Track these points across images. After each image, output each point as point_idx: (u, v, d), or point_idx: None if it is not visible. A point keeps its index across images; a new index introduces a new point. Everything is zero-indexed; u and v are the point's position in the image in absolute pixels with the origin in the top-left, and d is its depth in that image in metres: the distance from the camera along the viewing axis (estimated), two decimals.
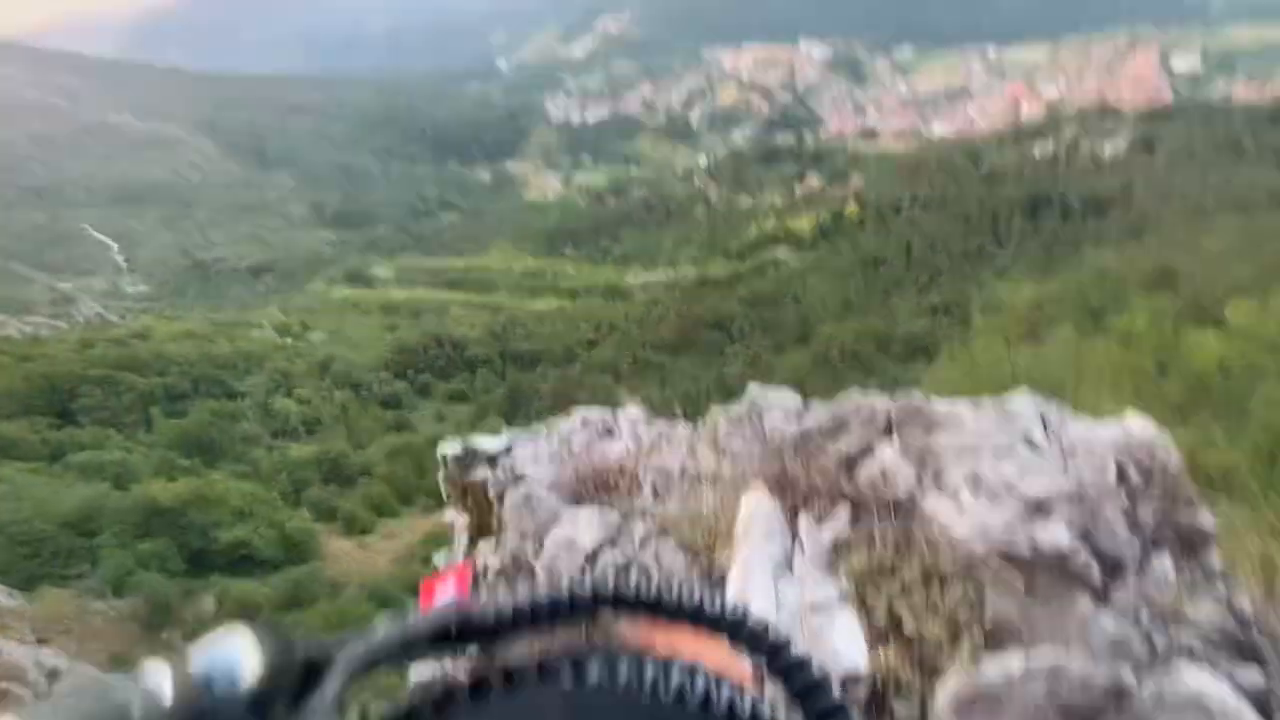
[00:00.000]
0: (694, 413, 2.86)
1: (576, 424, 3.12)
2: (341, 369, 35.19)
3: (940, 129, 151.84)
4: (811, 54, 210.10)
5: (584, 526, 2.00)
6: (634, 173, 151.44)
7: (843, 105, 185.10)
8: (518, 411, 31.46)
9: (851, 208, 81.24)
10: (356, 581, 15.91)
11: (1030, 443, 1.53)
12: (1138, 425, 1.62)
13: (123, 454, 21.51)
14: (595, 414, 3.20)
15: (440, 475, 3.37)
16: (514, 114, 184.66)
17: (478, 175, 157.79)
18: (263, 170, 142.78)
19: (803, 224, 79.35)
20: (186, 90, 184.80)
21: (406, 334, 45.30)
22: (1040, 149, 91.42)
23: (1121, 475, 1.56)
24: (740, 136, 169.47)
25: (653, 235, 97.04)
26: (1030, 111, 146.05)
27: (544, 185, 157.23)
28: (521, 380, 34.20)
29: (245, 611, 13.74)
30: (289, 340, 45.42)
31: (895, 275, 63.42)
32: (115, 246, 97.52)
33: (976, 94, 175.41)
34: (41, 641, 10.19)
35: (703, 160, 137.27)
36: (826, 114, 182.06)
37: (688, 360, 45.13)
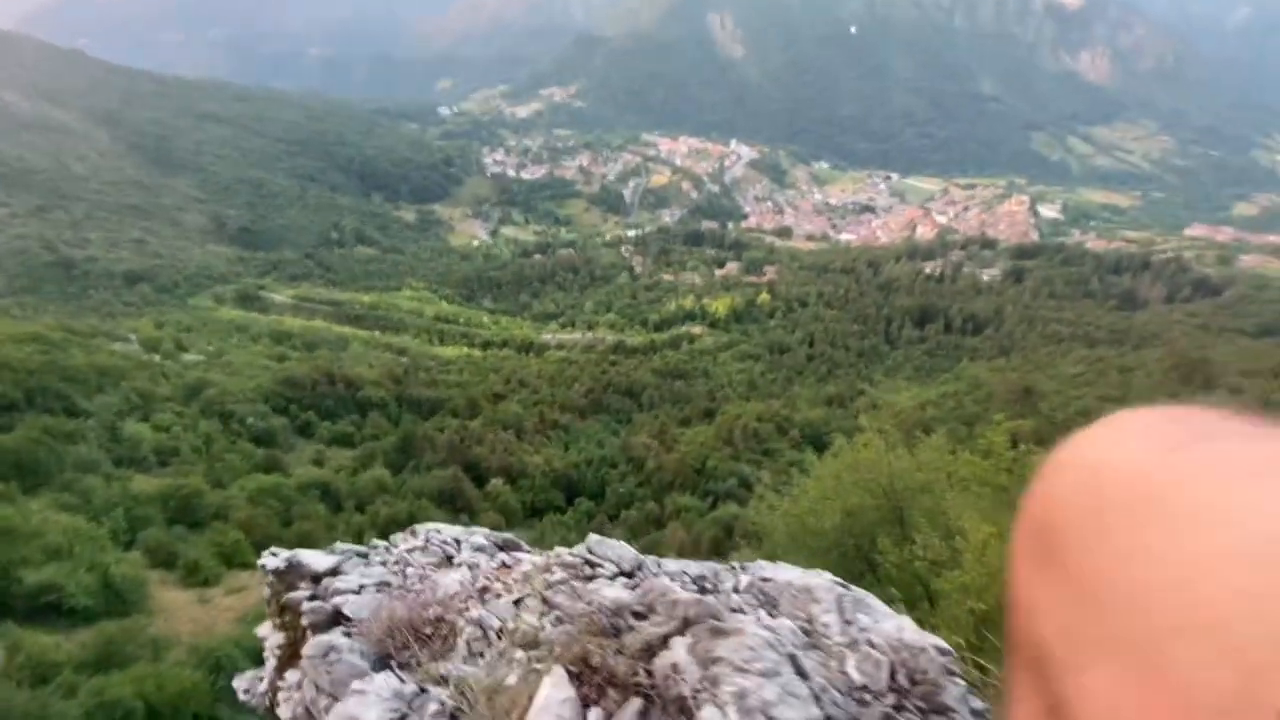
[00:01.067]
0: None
1: (420, 542, 3.01)
2: (213, 396, 31.96)
3: (847, 237, 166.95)
4: (740, 153, 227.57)
5: (373, 701, 1.83)
6: (563, 234, 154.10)
7: (764, 203, 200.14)
8: (406, 462, 29.69)
9: (765, 296, 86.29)
10: (187, 642, 13.91)
11: (799, 669, 1.53)
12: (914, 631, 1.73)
13: None
14: (443, 533, 3.09)
15: (262, 581, 3.12)
16: (449, 160, 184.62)
17: (402, 214, 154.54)
18: (162, 174, 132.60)
19: (719, 306, 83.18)
20: (88, 78, 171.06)
21: (295, 366, 42.13)
22: (931, 267, 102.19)
23: (895, 688, 1.57)
24: (668, 216, 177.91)
25: (574, 297, 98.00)
26: (924, 233, 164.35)
27: (470, 233, 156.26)
28: (416, 429, 32.45)
29: (40, 670, 11.62)
30: (156, 358, 40.98)
31: (798, 364, 67.29)
32: None
33: (880, 212, 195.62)
34: None
35: (631, 232, 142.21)
36: (749, 208, 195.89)
37: (595, 424, 44.91)
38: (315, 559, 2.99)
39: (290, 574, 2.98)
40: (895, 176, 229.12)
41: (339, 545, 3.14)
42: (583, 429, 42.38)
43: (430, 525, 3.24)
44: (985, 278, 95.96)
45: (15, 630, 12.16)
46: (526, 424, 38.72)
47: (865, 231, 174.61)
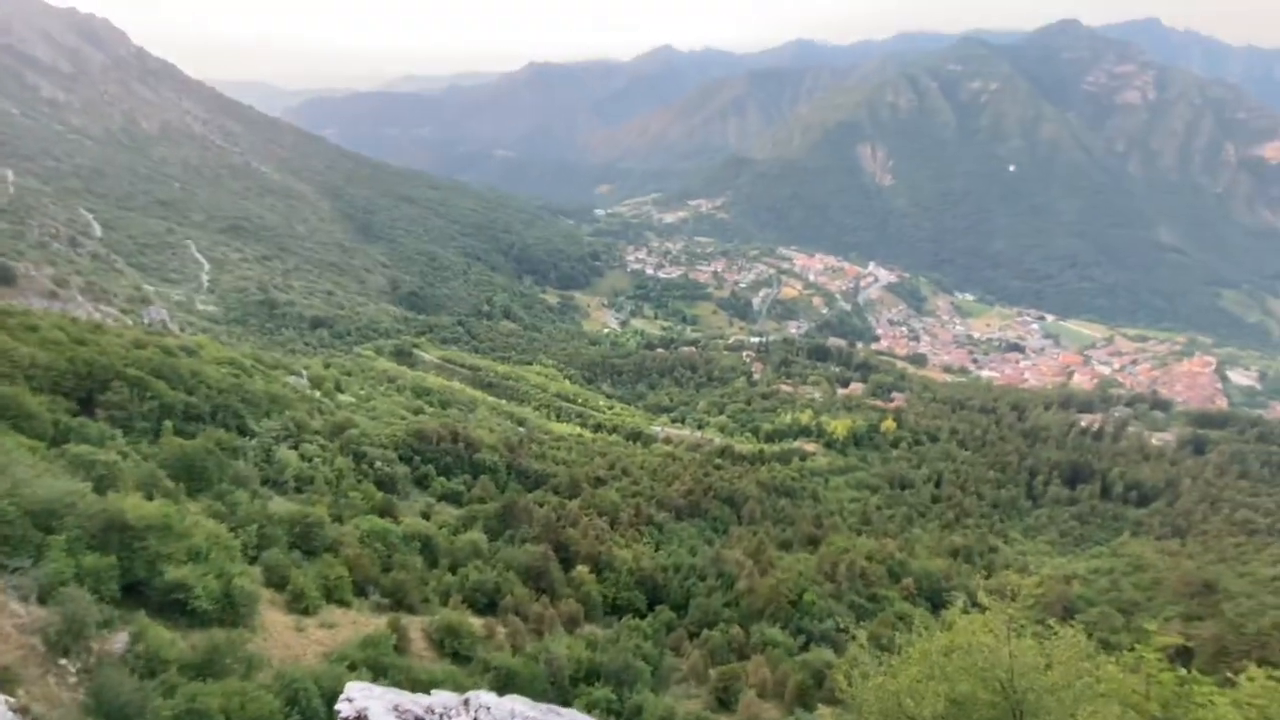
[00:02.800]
0: None
1: (469, 719, 3.17)
2: (353, 436, 35.25)
3: (989, 374, 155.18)
4: (878, 275, 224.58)
5: None
6: (688, 333, 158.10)
7: (898, 327, 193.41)
8: (504, 530, 30.35)
9: (890, 423, 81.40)
10: (275, 666, 14.63)
11: None
12: None
13: (118, 458, 21.41)
14: (492, 712, 3.24)
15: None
16: (596, 254, 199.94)
17: (546, 297, 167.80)
18: (361, 240, 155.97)
19: (838, 426, 79.52)
20: (325, 159, 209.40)
21: (427, 421, 45.61)
22: (1088, 420, 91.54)
23: None
24: (795, 328, 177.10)
25: (688, 394, 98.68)
26: (1082, 382, 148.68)
27: (603, 321, 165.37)
28: (518, 499, 33.33)
29: (151, 664, 12.67)
30: (317, 394, 46.36)
31: (921, 503, 61.58)
32: (207, 267, 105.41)
33: (1030, 352, 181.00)
34: None
35: (755, 339, 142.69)
36: (881, 330, 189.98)
37: (690, 527, 43.50)
38: (381, 719, 3.18)
39: None
40: (1050, 318, 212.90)
41: (402, 703, 3.34)
42: (676, 530, 41.14)
43: (483, 699, 3.36)
44: (1156, 442, 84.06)
45: (144, 620, 13.46)
46: (622, 514, 38.38)
47: (1011, 371, 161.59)
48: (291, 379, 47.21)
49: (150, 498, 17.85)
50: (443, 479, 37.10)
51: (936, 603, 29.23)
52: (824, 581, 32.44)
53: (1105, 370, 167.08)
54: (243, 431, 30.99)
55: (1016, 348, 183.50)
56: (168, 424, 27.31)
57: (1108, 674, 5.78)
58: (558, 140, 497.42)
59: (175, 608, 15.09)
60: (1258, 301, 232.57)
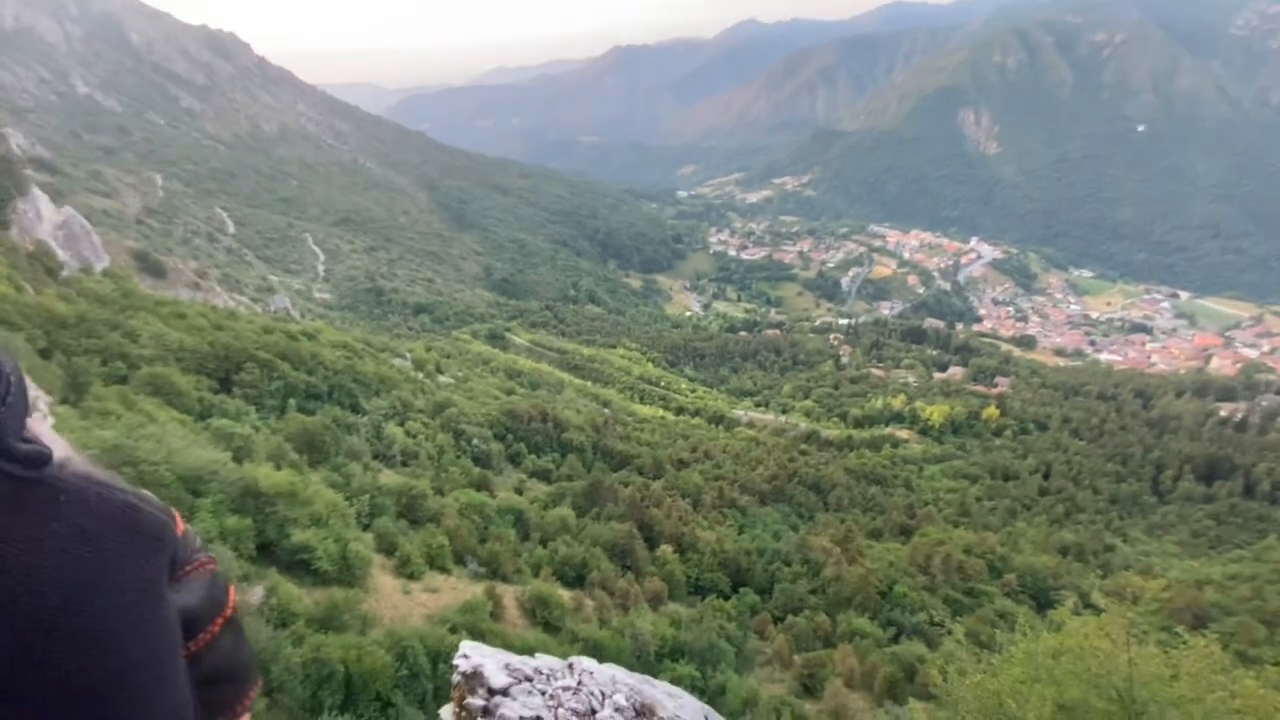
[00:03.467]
0: None
1: (573, 682, 3.51)
2: (452, 414, 37.41)
3: (1109, 357, 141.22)
4: (980, 251, 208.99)
5: None
6: (772, 315, 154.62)
7: (1003, 307, 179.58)
8: (590, 508, 31.33)
9: (992, 410, 76.23)
10: (386, 625, 15.96)
11: None
12: None
13: (251, 431, 23.80)
14: (595, 676, 3.55)
15: (452, 678, 3.79)
16: (678, 236, 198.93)
17: (630, 281, 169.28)
18: (457, 230, 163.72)
19: (933, 412, 75.38)
20: (422, 153, 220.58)
21: (518, 401, 47.61)
22: (1228, 410, 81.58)
23: None
24: (887, 309, 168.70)
25: (773, 377, 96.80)
26: (1222, 367, 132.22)
27: (685, 304, 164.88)
28: (604, 479, 34.25)
29: (283, 616, 14.13)
30: (420, 375, 49.49)
31: (1026, 496, 57.44)
32: (322, 258, 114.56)
33: (1159, 334, 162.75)
34: None
35: (843, 321, 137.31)
36: (983, 311, 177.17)
37: (774, 512, 42.98)
38: (495, 675, 3.58)
39: (474, 679, 3.57)
40: (1185, 295, 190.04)
41: (512, 662, 3.68)
42: (760, 515, 40.79)
43: (585, 664, 3.62)
44: None
45: (275, 576, 15.10)
46: (705, 497, 38.52)
47: (1135, 354, 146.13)
48: (397, 361, 50.65)
49: (279, 468, 19.88)
50: (533, 456, 38.75)
51: (1043, 602, 27.34)
52: (916, 573, 31.18)
53: (1252, 353, 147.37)
54: (355, 409, 33.73)
55: (1143, 328, 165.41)
56: (292, 401, 30.21)
57: (1245, 690, 5.21)
58: (641, 123, 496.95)
59: (300, 567, 16.80)
60: None
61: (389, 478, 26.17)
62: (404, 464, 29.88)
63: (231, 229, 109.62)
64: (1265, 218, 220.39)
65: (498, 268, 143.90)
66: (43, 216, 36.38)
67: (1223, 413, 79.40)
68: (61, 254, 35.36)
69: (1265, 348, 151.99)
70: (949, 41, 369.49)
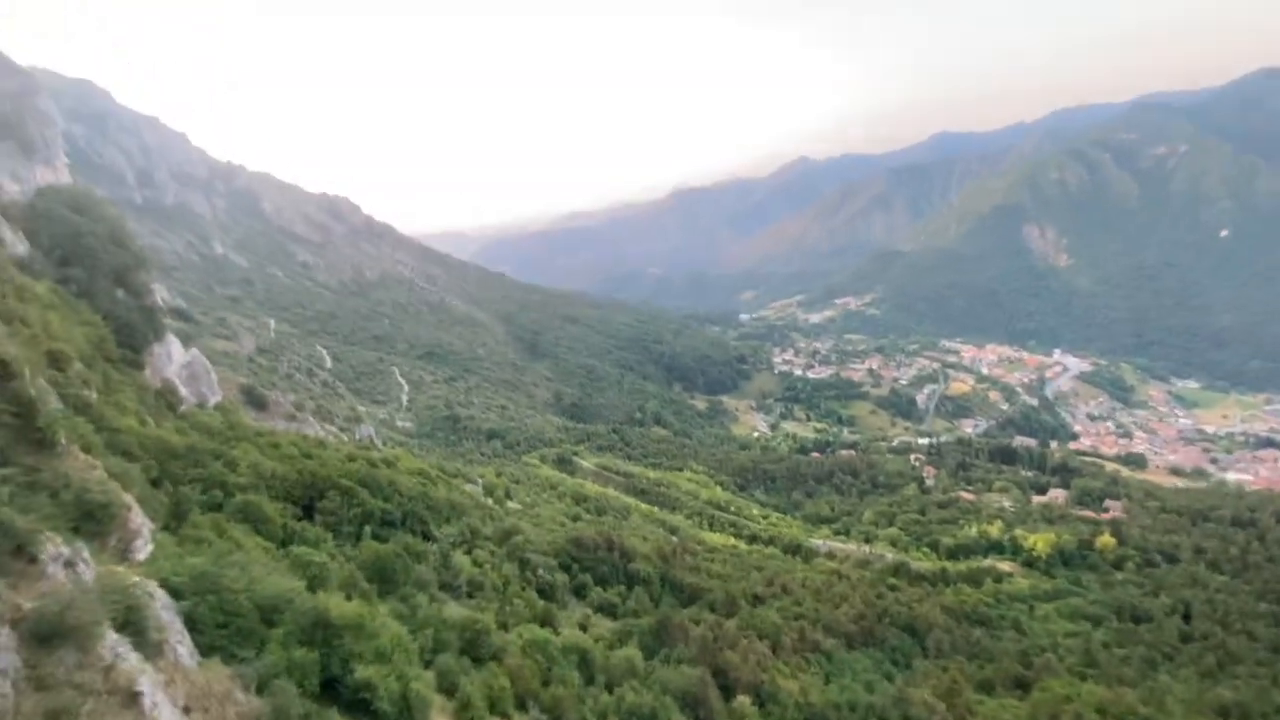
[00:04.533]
0: None
1: None
2: (518, 543, 36.99)
3: (1237, 477, 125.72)
4: (1065, 363, 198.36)
5: None
6: (845, 435, 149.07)
7: (1101, 422, 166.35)
8: (659, 648, 29.17)
9: (1107, 539, 68.10)
10: None
11: None
12: None
13: (327, 559, 24.17)
14: None
15: None
16: (743, 357, 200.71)
17: (695, 403, 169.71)
18: (530, 359, 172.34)
19: (1038, 541, 68.04)
20: (501, 291, 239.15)
21: (585, 527, 46.70)
22: None
23: None
24: (970, 427, 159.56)
25: (851, 502, 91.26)
26: None
27: (752, 424, 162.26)
28: (674, 615, 32.17)
29: None
30: (490, 501, 49.86)
31: (1165, 641, 49.24)
32: (406, 389, 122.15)
33: None
34: (186, 710, 11.03)
35: (924, 440, 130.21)
36: (1079, 427, 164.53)
37: (864, 658, 38.51)
38: None
39: None
40: None
41: None
42: (848, 660, 36.62)
43: None
44: None
45: (335, 717, 14.51)
46: (784, 638, 35.19)
47: (1267, 471, 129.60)
48: (469, 486, 51.47)
49: (349, 598, 19.87)
50: (599, 589, 37.13)
51: None
52: None
53: None
54: (426, 536, 33.95)
55: (1272, 443, 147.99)
56: (367, 529, 30.82)
57: None
58: (700, 254, 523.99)
59: (360, 706, 16.16)
60: None
61: (454, 610, 25.60)
62: (469, 595, 29.29)
63: (329, 363, 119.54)
64: None
65: (567, 393, 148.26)
66: (172, 358, 41.05)
67: None
68: (183, 390, 39.34)
69: None
70: (1000, 164, 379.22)
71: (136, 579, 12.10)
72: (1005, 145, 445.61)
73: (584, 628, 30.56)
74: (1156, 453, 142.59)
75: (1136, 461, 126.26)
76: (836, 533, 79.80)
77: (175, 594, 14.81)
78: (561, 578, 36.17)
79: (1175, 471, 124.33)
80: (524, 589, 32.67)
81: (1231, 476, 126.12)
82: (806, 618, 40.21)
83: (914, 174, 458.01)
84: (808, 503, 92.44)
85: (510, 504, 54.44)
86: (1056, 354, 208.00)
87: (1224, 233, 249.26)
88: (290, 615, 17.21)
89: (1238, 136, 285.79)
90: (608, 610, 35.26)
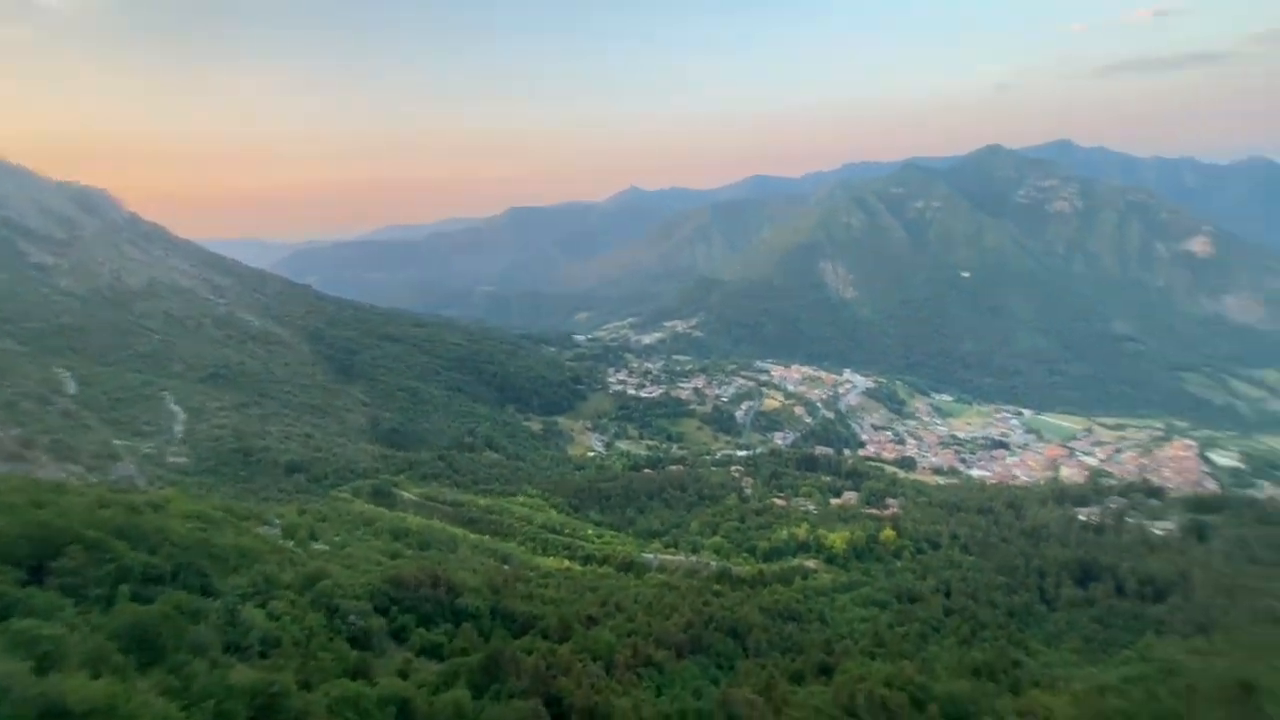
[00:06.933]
0: None
1: None
2: (326, 588, 33.01)
3: (979, 473, 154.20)
4: (854, 381, 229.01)
5: None
6: (674, 450, 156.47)
7: (883, 432, 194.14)
8: (489, 685, 27.69)
9: (889, 532, 79.04)
10: None
11: None
12: None
13: (65, 631, 19.62)
14: None
15: None
16: (577, 378, 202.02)
17: (530, 424, 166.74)
18: (342, 380, 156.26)
19: (836, 539, 76.90)
20: (307, 305, 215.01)
21: (404, 566, 43.13)
22: (1086, 514, 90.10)
23: None
24: (780, 439, 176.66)
25: (679, 515, 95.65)
26: (1070, 475, 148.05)
27: (587, 444, 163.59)
28: (504, 648, 30.82)
29: None
30: (290, 544, 43.99)
31: (933, 617, 58.19)
32: (182, 417, 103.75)
33: (1015, 449, 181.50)
34: None
35: (742, 453, 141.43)
36: (865, 436, 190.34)
37: (693, 665, 40.11)
38: None
39: None
40: (1028, 412, 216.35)
41: None
42: (678, 671, 37.85)
43: None
44: (1158, 531, 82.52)
45: None
46: (618, 656, 35.43)
47: (1000, 469, 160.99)
48: (263, 529, 44.98)
49: (97, 675, 16.14)
50: (422, 630, 34.34)
51: None
52: (844, 716, 29.65)
53: (1091, 461, 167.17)
54: (206, 591, 28.84)
55: (1001, 444, 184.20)
56: (123, 589, 25.35)
57: None
58: (536, 274, 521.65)
59: None
60: (1219, 384, 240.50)
61: (241, 674, 21.94)
62: (263, 655, 25.35)
63: (72, 389, 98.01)
64: (1074, 345, 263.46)
65: (386, 418, 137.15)
66: None
67: (1081, 517, 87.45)
68: None
69: (1101, 455, 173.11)
70: (803, 205, 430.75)
71: None
72: (807, 190, 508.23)
73: (404, 674, 27.96)
74: (923, 456, 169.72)
75: (908, 464, 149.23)
76: (667, 545, 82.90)
77: None
78: (378, 622, 32.86)
79: (937, 471, 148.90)
80: (332, 639, 29.10)
81: (975, 473, 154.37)
82: (639, 633, 40.93)
83: (732, 209, 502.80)
84: (640, 518, 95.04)
85: (316, 545, 48.59)
86: (847, 373, 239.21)
87: (965, 274, 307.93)
88: (7, 707, 13.52)
89: (974, 197, 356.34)
90: (433, 652, 32.69)
